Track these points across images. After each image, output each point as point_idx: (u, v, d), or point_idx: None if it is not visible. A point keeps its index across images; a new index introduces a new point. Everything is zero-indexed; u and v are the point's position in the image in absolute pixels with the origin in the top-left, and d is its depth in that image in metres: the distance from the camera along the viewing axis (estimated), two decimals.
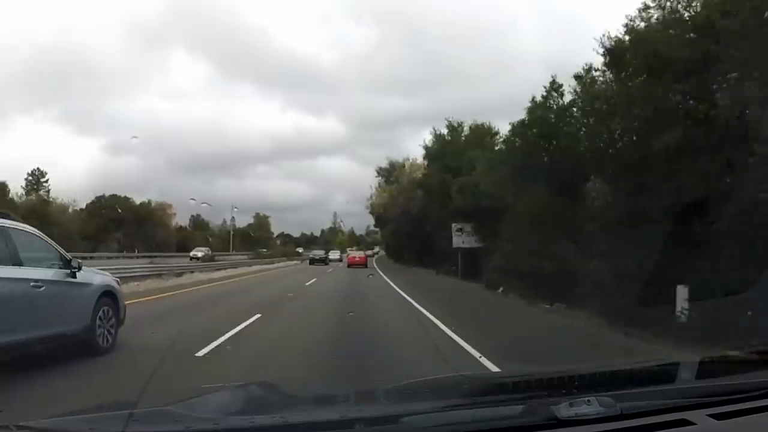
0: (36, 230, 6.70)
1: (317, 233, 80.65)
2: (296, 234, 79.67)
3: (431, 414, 1.76)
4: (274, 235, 73.30)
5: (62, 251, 6.68)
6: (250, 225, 67.06)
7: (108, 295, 7.16)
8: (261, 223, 68.98)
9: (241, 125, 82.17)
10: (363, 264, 36.63)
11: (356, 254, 39.41)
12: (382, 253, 60.49)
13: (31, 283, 5.83)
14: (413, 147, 79.24)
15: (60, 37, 75.94)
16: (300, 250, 67.85)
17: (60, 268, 6.47)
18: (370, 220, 58.85)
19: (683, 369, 2.02)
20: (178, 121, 74.02)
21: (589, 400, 1.65)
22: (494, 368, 6.04)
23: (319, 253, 44.66)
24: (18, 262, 5.79)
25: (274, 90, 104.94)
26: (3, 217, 6.06)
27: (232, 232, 59.12)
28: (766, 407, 1.73)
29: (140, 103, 74.53)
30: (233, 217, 60.63)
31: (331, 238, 74.95)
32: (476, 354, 7.15)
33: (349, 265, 36.25)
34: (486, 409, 1.77)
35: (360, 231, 78.51)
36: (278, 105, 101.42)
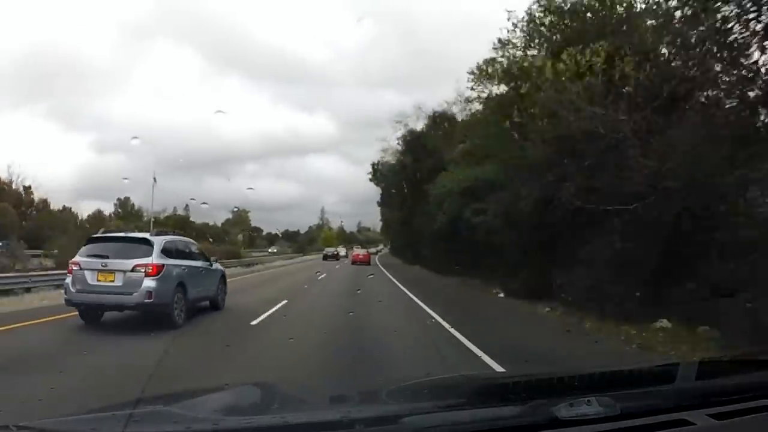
0: (195, 242, 12.31)
1: (304, 231, 74.37)
2: (276, 231, 71.57)
3: (431, 414, 1.76)
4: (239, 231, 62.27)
5: (205, 252, 12.24)
6: (227, 220, 60.50)
7: (222, 276, 12.39)
8: (240, 218, 62.14)
9: (231, 123, 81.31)
10: (366, 262, 37.62)
11: (360, 252, 41.42)
12: (386, 250, 59.02)
13: (200, 269, 11.09)
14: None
15: (44, 32, 75.00)
16: (273, 249, 58.80)
17: (205, 261, 11.62)
18: (369, 199, 46.81)
19: (683, 369, 2.02)
20: (166, 119, 72.89)
21: (589, 401, 1.65)
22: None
23: (330, 250, 50.58)
24: (195, 258, 11.12)
25: (264, 88, 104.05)
26: (183, 236, 11.91)
27: (152, 220, 42.65)
28: (766, 407, 1.73)
29: (127, 100, 74.05)
30: (179, 207, 51.03)
31: (317, 235, 69.41)
32: None
33: (354, 262, 37.25)
34: (486, 410, 1.77)
35: (350, 229, 74.68)
36: (269, 102, 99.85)
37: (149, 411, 1.86)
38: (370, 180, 38.82)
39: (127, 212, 53.25)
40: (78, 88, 77.28)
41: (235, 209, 57.62)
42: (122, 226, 29.55)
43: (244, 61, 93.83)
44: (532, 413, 1.67)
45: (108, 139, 62.57)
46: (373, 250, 53.98)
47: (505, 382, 2.23)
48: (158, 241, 9.74)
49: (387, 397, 2.16)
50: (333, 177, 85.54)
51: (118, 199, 52.99)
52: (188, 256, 10.80)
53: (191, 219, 54.99)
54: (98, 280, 9.15)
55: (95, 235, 10.31)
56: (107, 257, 9.25)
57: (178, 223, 48.61)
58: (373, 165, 37.26)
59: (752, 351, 2.46)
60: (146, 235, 10.27)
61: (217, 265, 12.26)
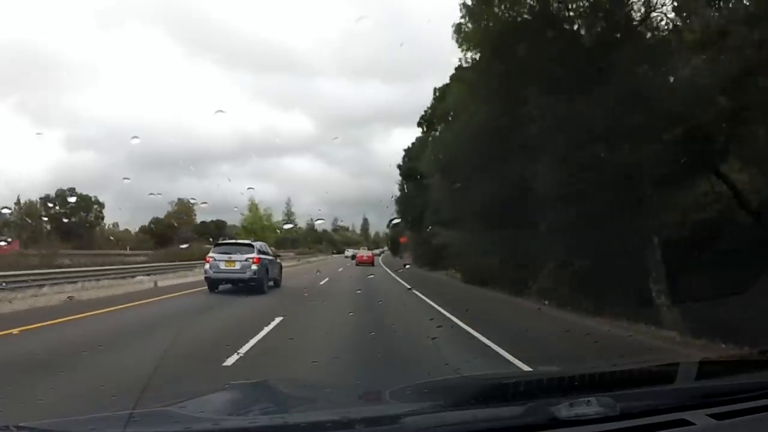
0: (266, 243, 18.82)
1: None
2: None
3: (431, 414, 1.76)
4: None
5: (271, 249, 19.14)
6: (168, 213, 50.88)
7: (281, 266, 19.22)
8: (182, 212, 50.78)
9: (205, 121, 78.94)
10: (370, 263, 37.71)
11: (364, 254, 41.68)
12: (388, 252, 58.51)
13: (272, 260, 17.78)
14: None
15: (11, 22, 73.38)
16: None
17: (272, 256, 18.07)
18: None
19: (683, 369, 2.02)
20: (140, 115, 69.90)
21: (589, 401, 1.64)
22: None
23: (352, 251, 51.99)
24: (269, 254, 17.78)
25: (245, 84, 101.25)
26: (258, 241, 18.27)
27: None
28: (766, 407, 1.73)
29: (100, 95, 72.23)
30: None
31: (268, 233, 55.58)
32: None
33: (358, 264, 37.23)
34: (486, 410, 1.77)
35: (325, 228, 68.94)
36: (245, 100, 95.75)
37: (149, 411, 1.86)
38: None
39: None
40: (44, 82, 75.33)
41: (235, 209, 54.36)
42: None
43: (226, 55, 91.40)
44: (532, 413, 1.66)
45: (77, 136, 60.80)
46: (377, 251, 53.76)
47: (505, 383, 2.22)
48: (256, 245, 16.87)
49: (387, 397, 2.16)
50: (309, 178, 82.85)
51: None
52: (266, 253, 17.34)
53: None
54: (226, 266, 15.91)
55: (220, 242, 18.31)
56: (230, 253, 16.15)
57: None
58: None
59: (752, 351, 2.46)
60: (249, 241, 17.85)
61: (278, 260, 19.40)
